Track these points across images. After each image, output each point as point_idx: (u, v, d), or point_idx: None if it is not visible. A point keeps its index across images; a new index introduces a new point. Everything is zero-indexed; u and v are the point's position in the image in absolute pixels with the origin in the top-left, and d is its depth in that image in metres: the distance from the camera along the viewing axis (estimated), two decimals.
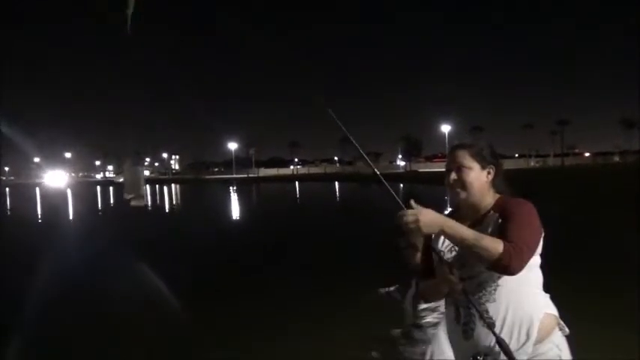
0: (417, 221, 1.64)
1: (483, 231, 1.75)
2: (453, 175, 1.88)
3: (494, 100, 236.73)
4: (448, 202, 2.31)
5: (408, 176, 59.46)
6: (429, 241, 1.96)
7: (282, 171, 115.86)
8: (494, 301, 1.77)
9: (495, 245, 1.62)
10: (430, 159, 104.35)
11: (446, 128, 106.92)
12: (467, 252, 1.71)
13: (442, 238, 1.87)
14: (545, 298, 1.85)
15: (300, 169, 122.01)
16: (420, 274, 2.06)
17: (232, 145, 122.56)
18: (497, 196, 1.89)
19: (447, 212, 1.95)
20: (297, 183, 64.86)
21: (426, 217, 1.65)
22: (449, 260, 1.85)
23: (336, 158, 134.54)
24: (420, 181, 45.80)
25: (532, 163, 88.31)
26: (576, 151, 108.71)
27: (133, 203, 2.67)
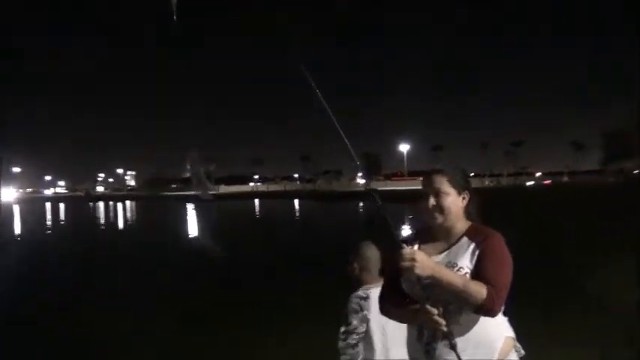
0: (413, 261, 1.74)
1: (457, 255, 1.87)
2: (432, 201, 1.93)
3: (451, 119, 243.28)
4: (410, 223, 2.28)
5: (367, 194, 59.65)
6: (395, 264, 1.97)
7: (242, 188, 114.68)
8: (458, 323, 1.82)
9: (480, 290, 1.73)
10: (389, 177, 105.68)
11: (404, 147, 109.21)
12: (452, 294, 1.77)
13: None
14: (505, 321, 1.94)
15: (260, 187, 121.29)
16: (386, 297, 2.07)
17: (190, 161, 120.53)
18: (468, 222, 1.97)
19: (411, 233, 2.09)
20: (256, 201, 64.33)
21: (422, 260, 1.75)
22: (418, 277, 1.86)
23: (296, 175, 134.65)
24: (385, 200, 45.93)
25: (486, 183, 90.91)
26: (528, 170, 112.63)
27: (202, 197, 3.11)
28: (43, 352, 6.14)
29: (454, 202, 1.94)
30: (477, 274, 1.80)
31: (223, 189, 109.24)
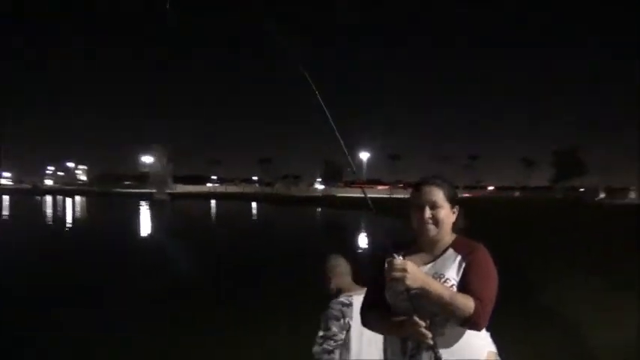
0: (404, 271, 1.73)
1: (443, 267, 1.88)
2: (428, 213, 1.93)
3: (411, 130, 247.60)
4: (388, 234, 2.23)
5: (325, 200, 60.29)
6: (379, 274, 1.93)
7: (200, 188, 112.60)
8: (443, 335, 1.82)
9: (468, 303, 1.74)
10: (349, 184, 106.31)
11: (364, 155, 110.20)
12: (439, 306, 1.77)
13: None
14: (487, 335, 1.94)
15: (218, 188, 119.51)
16: (369, 308, 2.04)
17: (147, 159, 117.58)
18: (453, 235, 1.99)
19: (393, 243, 1.97)
20: (213, 202, 63.26)
21: (412, 271, 1.75)
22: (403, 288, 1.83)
23: (255, 178, 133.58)
24: (336, 206, 46.33)
25: None
26: (482, 184, 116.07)
27: (156, 197, 2.66)
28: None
29: (447, 215, 1.96)
30: (463, 286, 1.81)
31: (180, 188, 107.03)
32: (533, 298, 8.34)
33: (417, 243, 2.00)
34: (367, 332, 2.47)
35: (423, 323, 1.76)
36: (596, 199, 67.00)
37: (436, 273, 1.86)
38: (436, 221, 1.93)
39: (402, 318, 1.85)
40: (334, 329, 2.58)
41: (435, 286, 1.77)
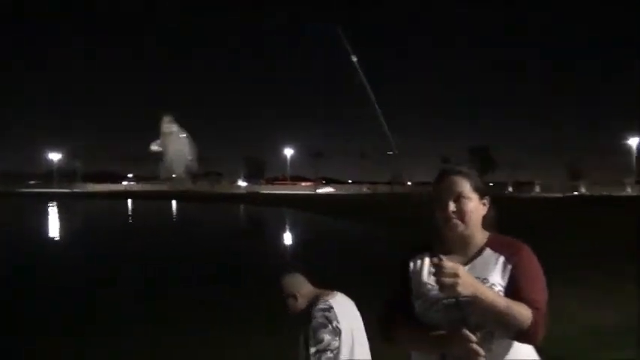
0: (456, 276, 1.50)
1: (484, 270, 1.65)
2: (452, 206, 1.70)
3: (330, 127, 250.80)
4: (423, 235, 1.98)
5: (249, 198, 59.45)
6: (402, 280, 1.77)
7: (114, 187, 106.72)
8: (490, 350, 1.58)
9: (525, 313, 1.53)
10: (271, 181, 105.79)
11: (288, 152, 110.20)
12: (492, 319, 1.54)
13: (426, 269, 1.74)
14: (533, 350, 1.72)
15: (135, 186, 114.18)
16: (394, 320, 1.77)
17: (54, 156, 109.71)
18: (485, 232, 1.76)
19: (419, 242, 1.82)
20: (129, 201, 60.20)
21: (464, 276, 1.52)
22: (439, 297, 1.62)
23: (174, 175, 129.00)
24: (260, 203, 45.86)
25: (364, 189, 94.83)
26: (402, 180, 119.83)
27: (170, 186, 1.99)
28: None
29: (476, 208, 1.72)
30: (512, 293, 1.59)
31: (91, 187, 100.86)
32: None
33: (444, 243, 1.75)
34: (356, 334, 2.50)
35: (474, 338, 1.52)
36: (505, 192, 71.59)
37: (477, 278, 1.60)
38: (462, 215, 1.69)
39: (439, 332, 1.61)
40: (327, 338, 2.44)
41: (488, 294, 1.54)
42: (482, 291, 1.54)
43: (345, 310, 2.58)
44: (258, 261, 12.24)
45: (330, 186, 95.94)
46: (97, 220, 33.28)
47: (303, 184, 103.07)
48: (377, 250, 14.65)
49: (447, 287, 1.50)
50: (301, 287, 2.70)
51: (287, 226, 26.41)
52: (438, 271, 1.52)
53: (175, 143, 1.88)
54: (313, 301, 2.60)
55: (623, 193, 63.94)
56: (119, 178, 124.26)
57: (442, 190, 1.73)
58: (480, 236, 1.75)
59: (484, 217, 1.76)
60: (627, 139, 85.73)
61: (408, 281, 1.77)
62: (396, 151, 1.79)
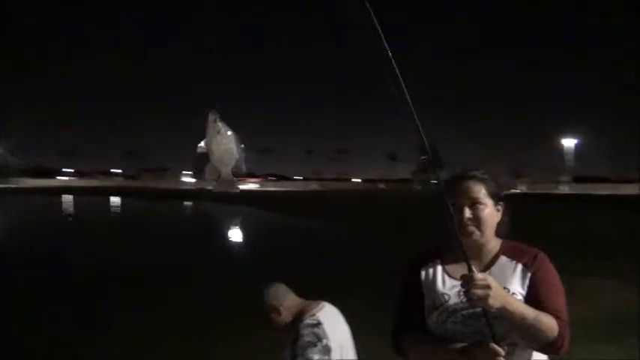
0: (488, 288, 1.41)
1: (503, 278, 1.56)
2: (468, 213, 1.63)
3: (279, 124, 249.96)
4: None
5: (201, 194, 58.08)
6: (414, 289, 1.67)
7: (51, 182, 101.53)
8: None
9: (552, 324, 1.48)
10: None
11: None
12: (518, 327, 1.46)
13: (440, 278, 1.66)
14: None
15: (74, 181, 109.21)
16: (408, 333, 1.66)
17: None
18: (498, 238, 1.69)
19: (429, 249, 1.75)
20: (69, 197, 57.38)
21: (496, 288, 1.43)
22: (457, 307, 1.56)
23: (117, 171, 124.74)
24: (214, 199, 44.81)
25: (313, 186, 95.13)
26: (349, 177, 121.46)
27: (217, 188, 1.79)
28: None
29: (491, 214, 1.65)
30: (532, 302, 1.52)
31: (30, 182, 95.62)
32: None
33: (455, 250, 1.62)
34: (346, 349, 2.32)
35: (502, 351, 1.44)
36: None
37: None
38: (478, 222, 1.62)
39: (459, 345, 1.51)
40: (316, 358, 2.22)
41: (517, 305, 1.47)
42: (512, 302, 1.47)
43: (334, 324, 2.37)
44: (216, 268, 11.64)
45: (280, 182, 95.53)
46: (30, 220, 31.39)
47: (252, 180, 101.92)
48: (350, 251, 14.57)
49: (479, 299, 1.41)
50: (285, 299, 2.45)
51: (241, 224, 25.84)
52: (469, 282, 1.42)
53: (223, 142, 1.73)
54: (299, 315, 2.37)
55: (559, 191, 67.45)
56: (56, 173, 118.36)
57: (456, 196, 1.64)
58: (494, 243, 1.67)
59: (498, 224, 1.68)
60: (563, 139, 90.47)
61: (420, 291, 1.68)
62: (429, 156, 1.64)
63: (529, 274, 1.59)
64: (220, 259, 12.97)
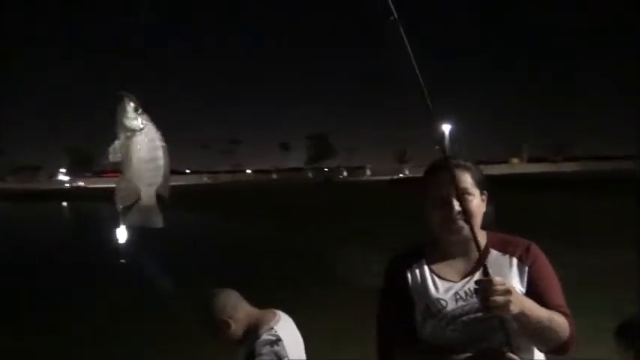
0: (508, 294, 1.24)
1: (496, 275, 1.32)
2: (457, 205, 1.44)
3: (171, 117, 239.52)
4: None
5: (74, 193, 54.05)
6: (402, 296, 1.49)
7: None
8: None
9: (564, 323, 1.37)
10: (99, 174, 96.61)
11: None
12: (531, 329, 1.33)
13: (431, 281, 1.48)
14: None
15: None
16: (395, 342, 1.48)
17: None
18: (482, 230, 1.52)
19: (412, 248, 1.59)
20: None
21: (515, 293, 1.28)
22: (456, 313, 1.41)
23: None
24: (88, 199, 41.71)
25: (204, 179, 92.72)
26: (242, 168, 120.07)
27: (131, 220, 1.20)
28: None
29: (479, 205, 1.49)
30: (534, 300, 1.35)
31: None
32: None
33: (440, 247, 1.51)
34: (303, 353, 2.09)
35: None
36: (341, 176, 76.21)
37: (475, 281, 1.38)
38: (468, 215, 1.41)
39: (464, 355, 1.36)
40: None
41: (533, 308, 1.32)
42: (529, 305, 1.31)
43: (291, 336, 2.07)
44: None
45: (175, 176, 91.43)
46: None
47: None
48: (242, 243, 14.15)
49: (499, 308, 1.24)
50: (236, 309, 2.04)
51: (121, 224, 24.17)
52: (487, 289, 1.24)
53: (143, 146, 1.19)
54: (253, 328, 2.01)
55: None
56: None
57: (442, 187, 1.45)
58: (481, 236, 1.47)
59: (484, 214, 1.50)
60: (443, 125, 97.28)
61: (409, 297, 1.48)
62: (445, 150, 1.45)
63: (526, 269, 1.44)
64: (93, 259, 12.08)
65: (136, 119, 1.17)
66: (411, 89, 1.33)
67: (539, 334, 1.35)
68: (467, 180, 1.48)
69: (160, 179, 1.23)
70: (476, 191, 1.49)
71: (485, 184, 1.54)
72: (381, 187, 38.80)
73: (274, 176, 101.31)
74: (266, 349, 1.94)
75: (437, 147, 1.45)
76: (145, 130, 1.19)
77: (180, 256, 11.68)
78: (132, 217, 1.24)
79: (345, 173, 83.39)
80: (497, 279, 1.27)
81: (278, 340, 1.97)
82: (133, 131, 1.18)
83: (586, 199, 18.84)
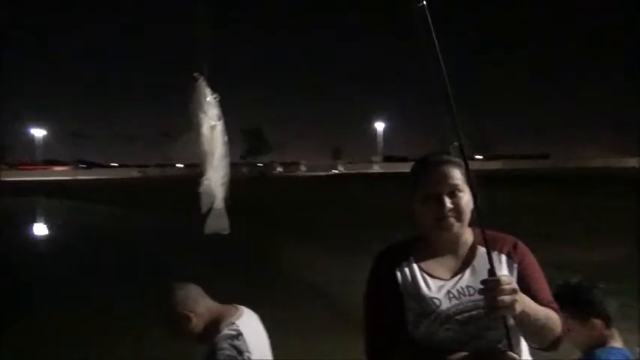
0: (514, 293, 1.24)
1: (485, 272, 1.30)
2: (449, 202, 1.42)
3: (96, 109, 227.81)
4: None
5: None
6: (390, 295, 1.43)
7: None
8: None
9: (558, 320, 1.39)
10: (15, 166, 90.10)
11: (39, 132, 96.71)
12: (527, 324, 1.32)
13: (422, 279, 1.44)
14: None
15: None
16: (385, 344, 1.42)
17: None
18: (468, 227, 1.50)
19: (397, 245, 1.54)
20: None
21: (519, 291, 1.26)
22: (451, 312, 1.37)
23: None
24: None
25: (134, 173, 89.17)
26: (173, 162, 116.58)
27: (209, 228, 1.02)
28: None
29: (468, 202, 1.45)
30: (527, 296, 1.33)
31: None
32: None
33: (429, 245, 1.49)
34: (266, 347, 2.08)
35: (519, 358, 1.33)
36: (274, 172, 75.99)
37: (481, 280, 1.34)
38: (458, 212, 1.42)
39: (459, 354, 1.33)
40: None
41: (532, 306, 1.33)
42: (528, 303, 1.31)
43: (254, 332, 2.05)
44: None
45: (93, 170, 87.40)
46: None
47: (57, 168, 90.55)
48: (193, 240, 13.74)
49: (506, 308, 1.23)
50: (197, 304, 2.01)
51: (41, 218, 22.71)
52: (494, 288, 1.23)
53: (223, 143, 1.07)
54: (214, 323, 1.99)
55: (372, 170, 74.10)
56: None
57: (433, 184, 1.43)
58: (468, 233, 1.50)
59: (472, 211, 1.46)
60: (375, 123, 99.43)
61: (400, 297, 1.44)
62: (461, 144, 1.39)
63: (515, 266, 1.44)
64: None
65: (216, 107, 1.05)
66: (434, 77, 1.32)
67: (537, 332, 1.36)
68: (457, 176, 1.45)
69: (228, 178, 1.14)
70: (466, 187, 1.45)
71: (472, 179, 1.49)
72: (317, 183, 39.06)
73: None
74: (226, 344, 1.93)
75: (455, 143, 1.40)
76: (222, 119, 1.08)
77: (113, 251, 11.39)
78: (210, 223, 1.11)
79: (279, 169, 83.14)
80: (504, 278, 1.26)
81: (239, 335, 1.96)
82: (216, 121, 1.05)
83: (508, 194, 19.93)
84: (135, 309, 5.92)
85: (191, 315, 1.99)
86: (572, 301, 1.92)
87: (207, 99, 1.07)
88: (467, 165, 1.41)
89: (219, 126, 1.10)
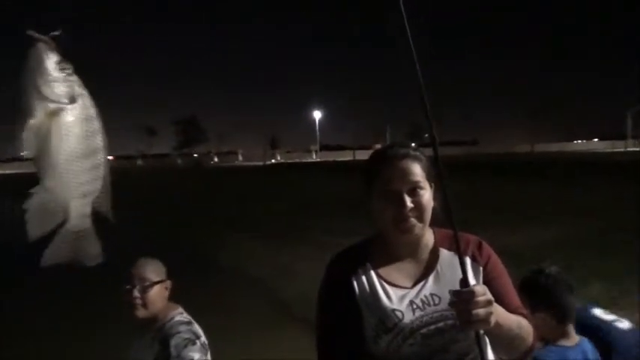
0: (490, 305, 1.09)
1: (453, 278, 1.19)
2: (409, 201, 1.26)
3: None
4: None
5: None
6: (352, 307, 1.27)
7: None
8: None
9: (530, 328, 1.26)
10: None
11: None
12: (500, 336, 1.19)
13: (381, 289, 1.28)
14: None
15: None
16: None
17: None
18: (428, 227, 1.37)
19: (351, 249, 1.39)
20: None
21: (495, 303, 1.12)
22: (415, 326, 1.24)
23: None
24: None
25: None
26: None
27: (54, 253, 0.71)
28: None
29: (429, 200, 1.30)
30: (497, 302, 1.17)
31: None
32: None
33: (386, 248, 1.33)
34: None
35: None
36: (212, 162, 74.58)
37: (450, 290, 1.19)
38: (419, 212, 1.27)
39: None
40: (197, 357, 1.89)
41: (505, 316, 1.19)
42: (501, 313, 1.16)
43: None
44: None
45: (14, 163, 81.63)
46: None
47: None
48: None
49: (481, 321, 1.09)
50: (149, 279, 2.02)
51: None
52: (469, 301, 1.08)
53: (79, 135, 0.73)
54: (162, 312, 2.02)
55: (310, 159, 74.31)
56: None
57: (393, 181, 1.27)
58: (429, 234, 1.35)
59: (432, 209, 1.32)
60: (314, 112, 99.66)
61: (357, 309, 1.28)
62: (434, 135, 1.21)
63: (480, 269, 1.30)
64: None
65: (64, 82, 0.72)
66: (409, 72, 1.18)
67: (509, 344, 1.23)
68: (418, 172, 1.29)
69: (99, 185, 0.82)
70: (427, 184, 1.30)
71: (433, 174, 1.33)
72: (253, 172, 38.72)
73: (139, 162, 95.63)
74: (182, 327, 1.98)
75: (426, 135, 1.24)
76: (80, 102, 0.75)
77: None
78: (55, 250, 0.81)
79: (215, 159, 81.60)
80: (478, 289, 1.11)
81: (190, 322, 2.04)
82: (60, 104, 0.72)
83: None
84: None
85: (166, 284, 2.05)
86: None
87: (50, 70, 0.74)
88: (437, 158, 1.21)
89: (71, 111, 0.77)
